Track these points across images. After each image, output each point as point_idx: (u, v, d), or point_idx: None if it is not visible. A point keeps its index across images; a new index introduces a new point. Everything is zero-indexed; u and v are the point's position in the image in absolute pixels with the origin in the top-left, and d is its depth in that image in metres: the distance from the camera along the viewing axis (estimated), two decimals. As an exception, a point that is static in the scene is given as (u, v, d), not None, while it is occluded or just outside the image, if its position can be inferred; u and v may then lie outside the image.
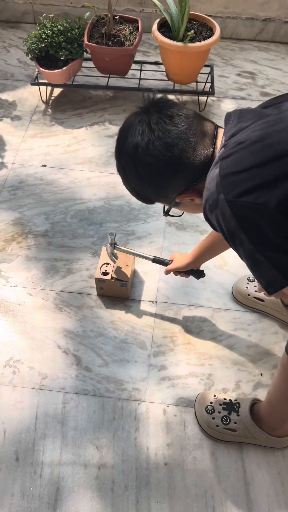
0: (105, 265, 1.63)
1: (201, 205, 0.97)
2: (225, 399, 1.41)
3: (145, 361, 1.54)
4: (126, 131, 0.98)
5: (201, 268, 1.55)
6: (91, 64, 2.40)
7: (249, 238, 0.86)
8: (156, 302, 1.69)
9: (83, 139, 2.24)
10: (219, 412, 1.38)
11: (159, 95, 1.01)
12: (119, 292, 1.66)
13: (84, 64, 2.42)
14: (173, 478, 1.33)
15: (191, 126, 0.96)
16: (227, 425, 1.36)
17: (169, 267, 1.55)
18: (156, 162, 0.95)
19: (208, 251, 1.46)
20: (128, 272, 1.62)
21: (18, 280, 1.74)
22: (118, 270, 1.62)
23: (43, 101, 2.42)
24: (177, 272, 1.55)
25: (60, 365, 1.53)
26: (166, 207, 1.10)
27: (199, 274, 1.55)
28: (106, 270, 1.62)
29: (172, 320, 1.64)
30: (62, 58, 2.19)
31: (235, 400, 1.40)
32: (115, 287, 1.63)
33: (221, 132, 1.00)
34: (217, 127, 1.01)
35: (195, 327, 1.62)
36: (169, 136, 0.94)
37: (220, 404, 1.39)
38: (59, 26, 2.21)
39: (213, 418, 1.38)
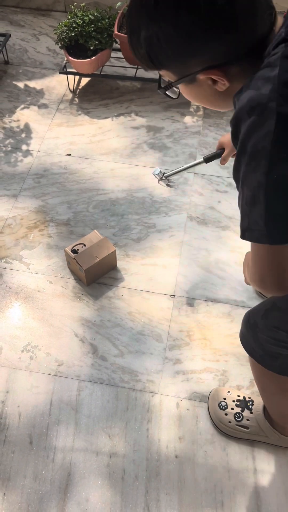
0: (80, 245, 1.67)
1: (219, 95, 0.78)
2: (238, 396, 1.41)
3: (160, 353, 1.55)
4: None
5: None
6: (119, 54, 2.39)
7: (270, 171, 0.67)
8: (174, 296, 1.69)
9: (108, 130, 2.24)
10: (232, 409, 1.38)
11: None
12: (79, 274, 1.70)
13: (113, 54, 2.42)
14: (183, 471, 1.34)
15: None
16: (239, 422, 1.36)
17: (225, 155, 1.38)
18: (211, 12, 0.68)
19: None
20: (90, 262, 1.63)
21: (39, 267, 1.76)
22: (83, 254, 1.64)
23: (70, 90, 2.42)
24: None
25: (77, 353, 1.55)
26: (170, 80, 0.81)
27: None
28: (78, 249, 1.66)
29: (189, 315, 1.64)
30: (92, 48, 2.19)
31: (249, 397, 1.40)
32: (76, 268, 1.67)
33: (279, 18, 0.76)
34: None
35: (212, 323, 1.62)
36: None
37: (233, 401, 1.40)
38: (90, 16, 2.21)
39: (226, 414, 1.38)
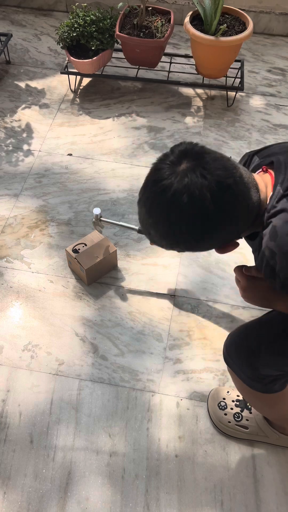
0: (81, 244, 1.68)
1: (232, 249, 0.95)
2: (238, 396, 1.41)
3: (160, 353, 1.56)
4: (171, 183, 0.84)
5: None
6: (121, 54, 2.40)
7: None
8: (174, 295, 1.69)
9: (109, 130, 2.25)
10: (232, 409, 1.39)
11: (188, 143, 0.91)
12: (80, 274, 1.71)
13: (114, 54, 2.43)
14: (183, 470, 1.34)
15: (242, 174, 0.87)
16: (239, 422, 1.37)
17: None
18: (222, 222, 0.85)
19: None
20: (91, 262, 1.64)
21: (40, 267, 1.76)
22: (84, 254, 1.66)
23: (71, 90, 2.43)
24: None
25: (77, 352, 1.55)
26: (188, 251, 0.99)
27: None
28: (78, 249, 1.67)
29: (190, 315, 1.65)
30: (93, 48, 2.20)
31: (249, 397, 1.40)
32: (77, 267, 1.68)
33: (256, 177, 0.93)
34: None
35: (212, 322, 1.63)
36: (230, 185, 0.83)
37: (233, 401, 1.40)
38: (92, 16, 2.21)
39: (225, 414, 1.38)
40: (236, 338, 1.13)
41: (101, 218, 1.64)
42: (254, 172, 0.99)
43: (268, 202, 0.90)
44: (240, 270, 1.03)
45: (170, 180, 0.83)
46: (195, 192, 0.81)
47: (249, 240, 1.03)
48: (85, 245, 1.68)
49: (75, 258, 1.64)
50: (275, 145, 1.03)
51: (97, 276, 1.71)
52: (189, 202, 0.81)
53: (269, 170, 0.95)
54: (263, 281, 1.02)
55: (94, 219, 1.64)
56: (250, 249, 1.75)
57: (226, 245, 0.92)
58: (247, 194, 0.86)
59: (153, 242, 0.94)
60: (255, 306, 1.66)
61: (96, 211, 1.61)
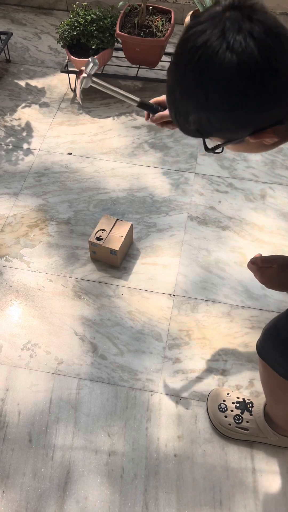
0: (101, 231, 1.70)
1: (266, 146, 0.82)
2: (238, 397, 1.41)
3: (160, 353, 1.55)
4: (215, 39, 0.69)
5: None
6: (121, 54, 2.40)
7: None
8: (174, 295, 1.69)
9: (109, 129, 2.24)
10: (232, 411, 1.38)
11: None
12: (109, 259, 1.73)
13: (115, 53, 2.42)
14: (182, 470, 1.34)
15: None
16: (239, 424, 1.36)
17: (157, 115, 1.23)
18: (261, 95, 0.71)
19: None
20: (119, 242, 1.68)
21: (39, 266, 1.76)
22: (110, 238, 1.69)
23: (71, 89, 2.43)
24: (164, 122, 1.25)
25: (76, 351, 1.55)
26: (218, 143, 0.84)
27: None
28: (100, 236, 1.69)
29: (189, 314, 1.65)
30: (93, 47, 2.20)
31: (248, 399, 1.40)
32: (106, 253, 1.70)
33: None
34: None
35: (212, 322, 1.63)
36: (282, 51, 0.70)
37: (233, 403, 1.39)
38: (92, 15, 2.21)
39: (225, 417, 1.38)
40: (269, 331, 1.12)
41: (94, 79, 1.26)
42: None
43: None
44: (250, 265, 1.01)
45: (207, 23, 0.70)
46: (235, 36, 0.68)
47: None
48: (104, 230, 1.71)
49: (103, 244, 1.68)
50: None
51: (124, 254, 1.76)
52: (226, 46, 0.68)
53: None
54: (272, 269, 1.00)
55: (84, 74, 1.26)
56: (250, 250, 1.75)
57: (263, 132, 0.77)
58: None
59: (177, 116, 0.79)
60: (254, 306, 1.66)
61: (94, 60, 1.25)
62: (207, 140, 0.85)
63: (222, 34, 0.69)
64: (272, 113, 0.75)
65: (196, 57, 0.70)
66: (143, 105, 1.25)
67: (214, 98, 0.72)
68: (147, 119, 1.28)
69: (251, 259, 1.02)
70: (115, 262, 1.73)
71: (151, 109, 1.24)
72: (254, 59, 0.68)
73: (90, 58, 1.24)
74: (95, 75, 1.23)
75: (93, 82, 1.25)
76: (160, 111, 1.22)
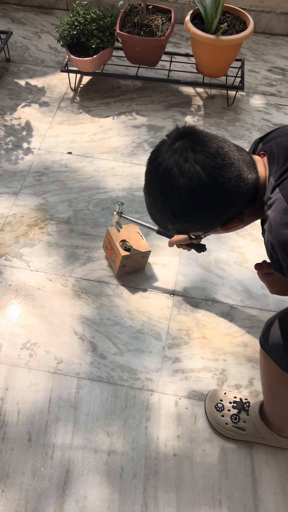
0: (122, 242, 1.68)
1: (238, 227, 1.00)
2: (235, 397, 1.41)
3: (159, 352, 1.55)
4: (171, 169, 0.92)
5: (203, 243, 1.52)
6: (121, 53, 2.40)
7: None
8: (173, 295, 1.69)
9: (109, 128, 2.24)
10: (229, 410, 1.38)
11: (187, 125, 0.98)
12: (139, 265, 1.71)
13: (115, 53, 2.42)
14: (181, 469, 1.34)
15: (234, 155, 0.93)
16: (236, 424, 1.36)
17: (173, 239, 1.51)
18: (218, 202, 0.92)
19: None
20: (143, 242, 1.68)
21: (39, 265, 1.76)
22: (135, 243, 1.68)
23: (71, 89, 2.43)
24: (180, 244, 1.52)
25: (76, 350, 1.55)
26: (198, 234, 1.08)
27: (201, 248, 1.52)
28: (126, 247, 1.67)
29: (189, 314, 1.64)
30: (93, 46, 2.19)
31: (245, 399, 1.40)
32: (137, 260, 1.69)
33: (257, 158, 1.01)
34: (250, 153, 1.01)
35: (211, 322, 1.63)
36: (223, 166, 0.91)
37: (230, 402, 1.40)
38: (92, 14, 2.21)
39: (222, 416, 1.38)
40: (272, 325, 1.13)
41: (122, 215, 1.62)
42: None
43: (265, 192, 0.96)
44: (256, 269, 1.15)
45: (163, 157, 0.92)
46: (184, 165, 0.89)
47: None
48: (124, 240, 1.68)
49: (139, 253, 1.66)
50: (278, 128, 1.08)
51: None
52: (180, 174, 0.89)
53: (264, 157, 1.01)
54: (276, 276, 1.09)
55: (115, 214, 1.62)
56: (250, 249, 1.78)
57: (229, 224, 0.98)
58: (240, 169, 0.92)
59: (159, 226, 1.01)
60: (254, 306, 1.66)
61: (118, 205, 1.60)
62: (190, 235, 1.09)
63: (176, 164, 0.90)
64: (231, 211, 0.95)
65: (159, 186, 0.93)
66: (160, 232, 1.61)
67: (181, 213, 0.94)
68: (158, 233, 1.63)
69: (256, 265, 1.15)
70: (143, 265, 1.72)
71: (166, 235, 1.58)
72: (203, 180, 0.89)
73: (116, 205, 1.62)
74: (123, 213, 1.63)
75: (122, 218, 1.63)
76: (173, 236, 1.52)
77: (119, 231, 1.66)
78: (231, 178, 0.90)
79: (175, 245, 1.54)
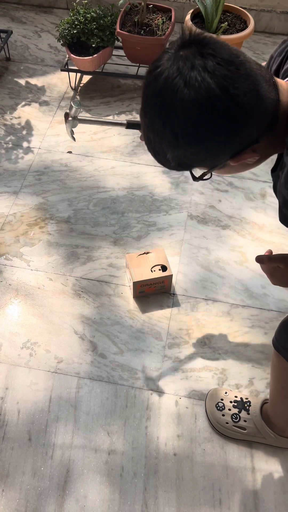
0: (155, 268, 1.62)
1: (250, 165, 0.84)
2: (236, 396, 1.41)
3: (159, 351, 1.55)
4: (173, 80, 0.73)
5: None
6: (121, 52, 2.39)
7: None
8: (173, 294, 1.69)
9: (109, 128, 2.24)
10: (230, 410, 1.38)
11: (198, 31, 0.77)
12: (164, 284, 1.67)
13: (115, 52, 2.42)
14: (181, 468, 1.34)
15: (252, 66, 0.75)
16: (236, 423, 1.36)
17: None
18: (227, 122, 0.73)
19: None
20: (168, 268, 1.64)
21: (39, 264, 1.76)
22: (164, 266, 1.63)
23: (71, 88, 2.42)
24: None
25: (76, 350, 1.55)
26: (204, 171, 0.87)
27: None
28: (157, 269, 1.62)
29: (189, 313, 1.64)
30: (94, 45, 2.19)
31: (246, 398, 1.40)
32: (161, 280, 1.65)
33: (281, 82, 0.82)
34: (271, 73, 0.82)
35: (212, 321, 1.63)
36: (238, 76, 0.72)
37: (230, 402, 1.40)
38: (92, 13, 2.21)
39: (223, 415, 1.38)
40: (285, 325, 1.12)
41: (79, 116, 1.35)
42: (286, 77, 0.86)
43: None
44: (257, 261, 1.04)
45: (164, 66, 0.74)
46: (190, 73, 0.71)
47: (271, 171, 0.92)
48: (157, 265, 1.64)
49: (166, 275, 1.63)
50: None
51: None
52: (184, 84, 0.71)
53: None
54: (278, 269, 1.02)
55: (70, 116, 1.35)
56: (250, 249, 1.76)
57: (243, 154, 0.79)
58: (258, 84, 0.74)
59: (157, 157, 0.82)
60: (254, 305, 1.66)
61: (76, 103, 1.33)
62: (193, 170, 0.88)
63: (178, 73, 0.72)
64: (244, 136, 0.77)
65: (159, 100, 0.74)
66: (131, 126, 1.31)
67: (183, 135, 0.75)
68: (141, 139, 1.34)
69: (258, 255, 1.04)
70: (169, 283, 1.67)
71: (139, 127, 1.23)
72: (212, 91, 0.71)
73: (72, 102, 1.30)
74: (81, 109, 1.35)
75: (80, 121, 1.33)
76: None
77: (74, 139, 1.44)
78: (246, 93, 0.72)
79: None
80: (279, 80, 0.81)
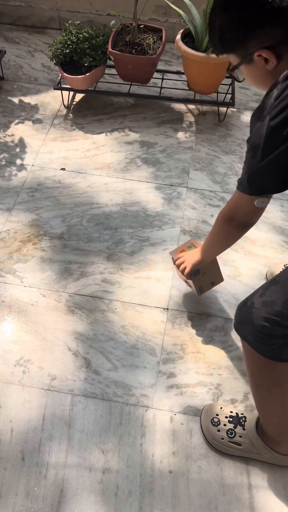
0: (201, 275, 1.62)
1: (269, 74, 0.97)
2: (231, 412, 1.40)
3: (154, 367, 1.54)
4: None
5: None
6: (113, 71, 2.43)
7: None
8: (167, 309, 1.69)
9: (102, 145, 2.26)
10: (225, 425, 1.37)
11: None
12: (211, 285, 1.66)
13: (107, 71, 2.45)
14: (177, 486, 1.32)
15: None
16: (232, 439, 1.35)
17: (179, 260, 1.55)
18: (265, 3, 0.89)
19: (212, 245, 1.43)
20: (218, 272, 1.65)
21: (32, 281, 1.75)
22: (211, 269, 1.63)
23: (64, 106, 2.45)
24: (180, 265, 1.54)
25: (70, 367, 1.54)
26: (235, 62, 1.03)
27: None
28: (203, 272, 1.62)
29: (183, 328, 1.64)
30: (86, 64, 2.22)
31: (242, 413, 1.39)
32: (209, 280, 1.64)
33: None
34: None
35: (206, 336, 1.62)
36: None
37: (226, 417, 1.38)
38: (84, 33, 2.24)
39: (218, 431, 1.37)
40: (240, 304, 1.18)
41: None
42: None
43: None
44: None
45: None
46: None
47: None
48: (204, 273, 1.62)
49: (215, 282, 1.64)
50: None
51: None
52: None
53: None
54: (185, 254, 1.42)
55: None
56: (243, 263, 1.78)
57: (267, 50, 0.93)
58: None
59: (210, 25, 1.00)
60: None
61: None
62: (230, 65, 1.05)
63: None
64: (273, 30, 0.92)
65: None
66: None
67: (232, 1, 0.93)
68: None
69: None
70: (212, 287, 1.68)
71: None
72: None
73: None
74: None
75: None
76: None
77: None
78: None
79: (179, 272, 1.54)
80: None
